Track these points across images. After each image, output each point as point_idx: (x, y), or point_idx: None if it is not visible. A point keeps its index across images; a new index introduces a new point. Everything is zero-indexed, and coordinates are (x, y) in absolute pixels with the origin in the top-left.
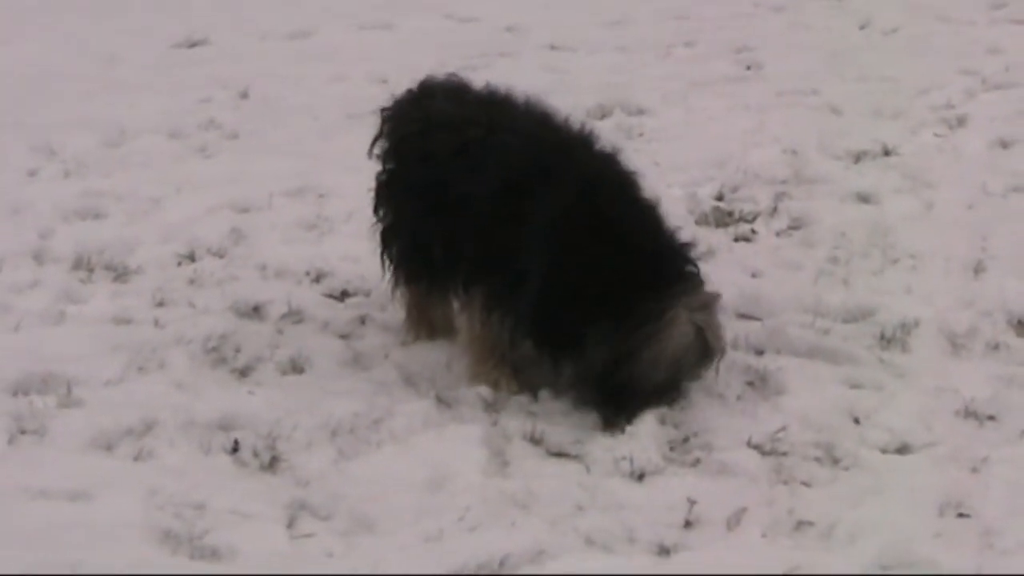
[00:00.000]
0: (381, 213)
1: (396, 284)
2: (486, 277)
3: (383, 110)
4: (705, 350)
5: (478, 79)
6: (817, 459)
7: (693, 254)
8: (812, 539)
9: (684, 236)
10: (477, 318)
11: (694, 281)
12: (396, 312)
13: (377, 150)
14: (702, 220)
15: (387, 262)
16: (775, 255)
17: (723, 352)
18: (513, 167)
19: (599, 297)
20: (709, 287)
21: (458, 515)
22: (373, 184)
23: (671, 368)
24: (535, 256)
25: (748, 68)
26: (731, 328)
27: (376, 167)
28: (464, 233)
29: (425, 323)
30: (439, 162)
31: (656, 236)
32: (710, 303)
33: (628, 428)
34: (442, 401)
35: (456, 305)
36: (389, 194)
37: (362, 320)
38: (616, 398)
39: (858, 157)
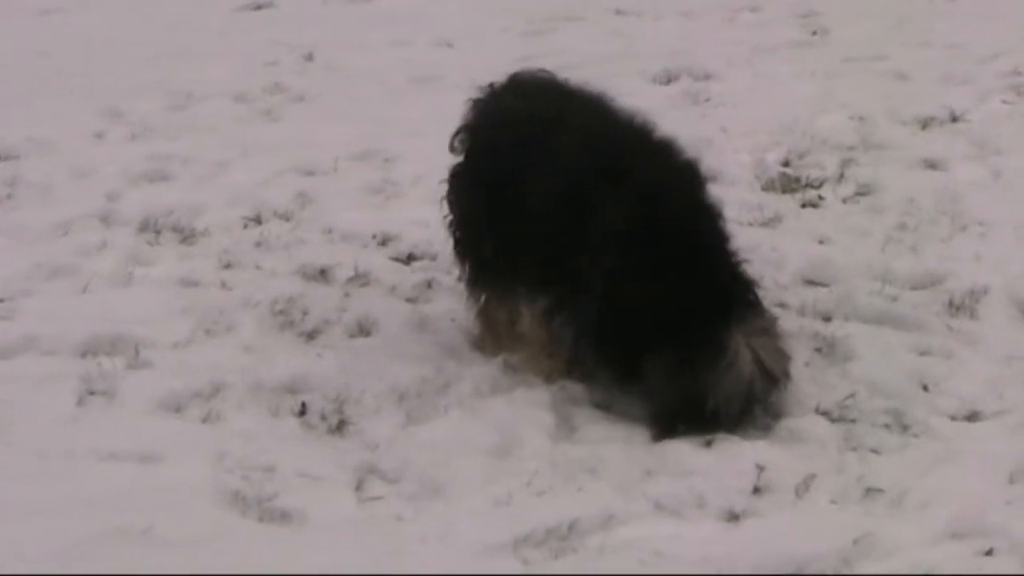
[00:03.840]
0: (449, 206)
1: (467, 282)
2: (549, 285)
3: (469, 101)
4: (767, 378)
5: (543, 44)
6: (886, 426)
7: (748, 271)
8: (882, 506)
9: (740, 252)
10: (538, 321)
11: (752, 306)
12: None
13: (456, 142)
14: (769, 186)
15: (458, 257)
16: (842, 221)
17: (786, 379)
18: (573, 169)
19: (657, 320)
20: (766, 312)
21: (526, 480)
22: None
23: (738, 405)
24: (595, 268)
25: (814, 33)
26: (799, 294)
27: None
28: (523, 237)
29: (491, 329)
30: (498, 159)
31: (718, 256)
32: (768, 328)
33: None
34: (509, 366)
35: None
36: (455, 188)
37: (429, 284)
38: (679, 429)
39: (926, 123)
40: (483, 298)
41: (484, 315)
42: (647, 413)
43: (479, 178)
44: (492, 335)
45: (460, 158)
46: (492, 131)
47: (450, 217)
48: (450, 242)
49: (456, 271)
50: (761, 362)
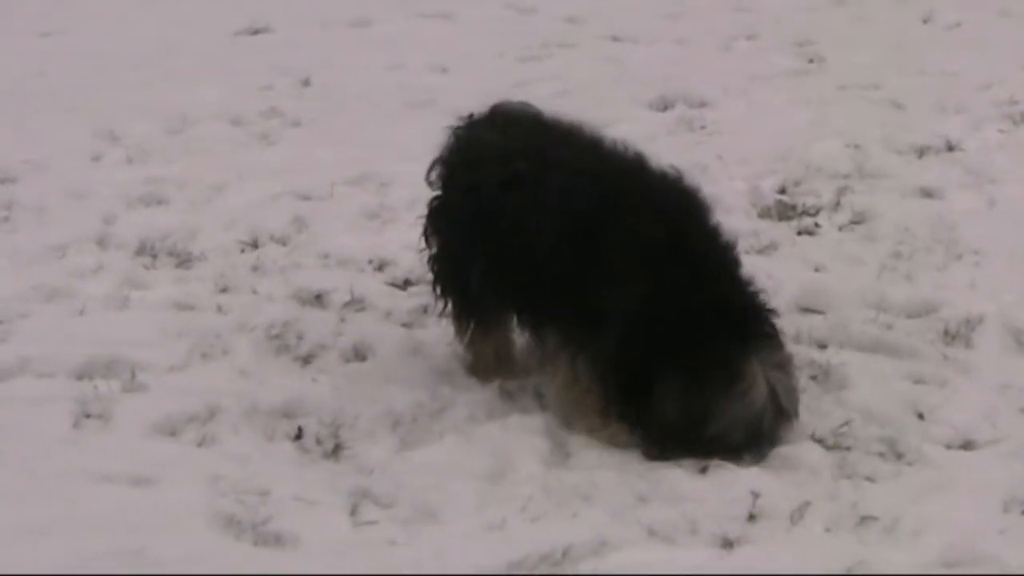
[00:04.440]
0: (429, 241)
1: (449, 315)
2: (560, 318)
3: (448, 131)
4: (779, 414)
5: (538, 70)
6: (881, 454)
7: (765, 300)
8: (876, 534)
9: (755, 281)
10: (563, 365)
11: (770, 338)
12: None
13: (433, 175)
14: (765, 213)
15: (438, 291)
16: (838, 249)
17: (795, 415)
18: (578, 203)
19: (676, 349)
20: (783, 346)
21: (520, 505)
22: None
23: (743, 434)
24: (613, 301)
25: (810, 61)
26: (794, 322)
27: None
28: (523, 271)
29: (481, 358)
30: (485, 195)
31: (735, 284)
32: (785, 364)
33: None
34: (504, 391)
35: (516, 339)
36: (436, 223)
37: (424, 309)
38: (687, 454)
39: (921, 152)
40: (471, 329)
41: (473, 345)
42: (646, 434)
43: (466, 214)
44: (483, 364)
45: (442, 192)
46: (479, 166)
47: (431, 251)
48: (430, 276)
49: (437, 304)
50: (776, 396)
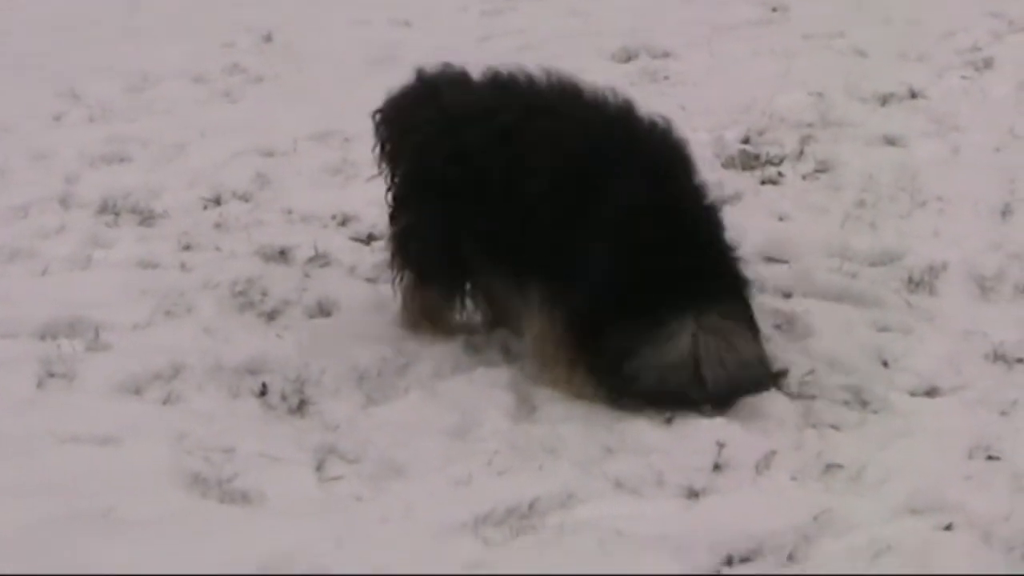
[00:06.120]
0: (401, 218)
1: (406, 281)
2: (542, 272)
3: (379, 112)
4: (698, 373)
5: (501, 23)
6: (846, 402)
7: (740, 257)
8: (841, 482)
9: (734, 243)
10: (537, 316)
11: (726, 302)
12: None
13: (385, 157)
14: (728, 164)
15: (399, 261)
16: (802, 198)
17: (719, 382)
18: (566, 154)
19: (633, 303)
20: (742, 313)
21: (486, 459)
22: (389, 194)
23: (662, 377)
24: (598, 250)
25: (773, 11)
26: (758, 271)
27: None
28: (513, 227)
29: (428, 321)
30: (474, 157)
31: (711, 246)
32: (728, 331)
33: None
34: (470, 345)
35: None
36: (412, 199)
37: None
38: (614, 387)
39: (884, 100)
40: (428, 296)
41: (403, 296)
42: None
43: (446, 183)
44: (410, 315)
45: (414, 168)
46: (452, 132)
47: (404, 223)
48: (394, 247)
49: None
50: (698, 364)
